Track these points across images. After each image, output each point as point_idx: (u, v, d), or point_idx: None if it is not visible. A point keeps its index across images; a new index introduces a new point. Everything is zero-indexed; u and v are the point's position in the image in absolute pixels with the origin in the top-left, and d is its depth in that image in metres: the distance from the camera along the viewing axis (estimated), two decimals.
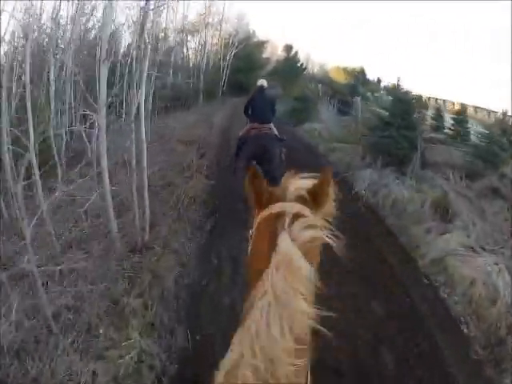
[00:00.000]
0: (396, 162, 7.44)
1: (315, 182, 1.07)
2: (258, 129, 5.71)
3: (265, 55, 26.80)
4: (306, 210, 0.99)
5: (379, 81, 25.33)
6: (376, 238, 5.57)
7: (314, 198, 1.04)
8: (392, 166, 7.42)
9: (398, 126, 7.46)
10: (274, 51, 27.40)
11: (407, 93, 8.34)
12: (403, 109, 7.55)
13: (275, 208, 1.00)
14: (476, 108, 22.08)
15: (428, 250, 5.13)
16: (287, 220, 0.96)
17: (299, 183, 1.09)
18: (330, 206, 1.11)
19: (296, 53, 25.03)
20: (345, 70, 25.82)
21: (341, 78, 24.42)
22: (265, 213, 1.02)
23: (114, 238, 4.47)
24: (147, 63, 4.21)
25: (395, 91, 8.25)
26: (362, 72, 24.90)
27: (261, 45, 26.31)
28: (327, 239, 1.00)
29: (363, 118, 11.21)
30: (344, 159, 8.53)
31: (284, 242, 0.91)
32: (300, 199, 1.03)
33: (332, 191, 1.11)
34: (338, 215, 1.13)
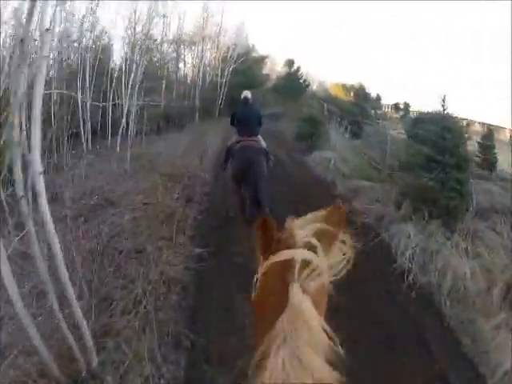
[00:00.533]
0: (443, 212, 5.66)
1: (324, 224, 1.00)
2: (244, 141, 5.85)
3: (265, 71, 25.41)
4: (315, 257, 0.91)
5: (379, 98, 23.76)
6: (432, 340, 3.84)
7: (326, 238, 0.97)
8: (436, 217, 5.64)
9: (445, 165, 5.70)
10: (274, 67, 26.22)
11: (456, 120, 6.35)
12: (453, 141, 5.78)
13: (284, 255, 0.93)
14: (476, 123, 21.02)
15: (498, 359, 3.56)
16: (297, 268, 0.88)
17: (307, 227, 1.01)
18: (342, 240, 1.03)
19: (298, 68, 23.55)
20: (344, 86, 24.42)
21: (341, 95, 23.06)
22: (272, 259, 0.94)
23: (45, 360, 2.69)
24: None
25: (436, 116, 6.33)
26: (361, 88, 23.51)
27: (261, 60, 24.87)
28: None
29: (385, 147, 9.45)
30: (373, 208, 6.58)
31: (296, 294, 0.84)
32: (309, 245, 0.95)
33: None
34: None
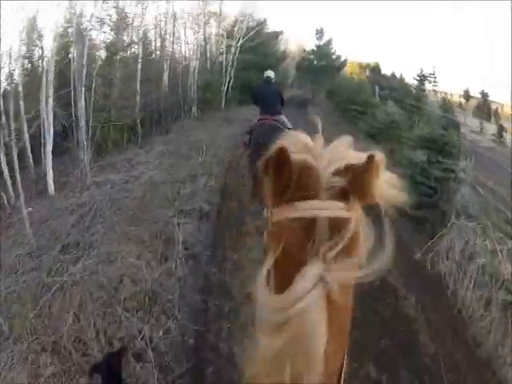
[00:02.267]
0: None
1: (357, 164, 0.68)
2: (264, 119, 5.71)
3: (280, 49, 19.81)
4: (346, 214, 0.65)
5: (394, 76, 17.98)
6: None
7: (354, 189, 0.67)
8: None
9: None
10: (287, 47, 20.27)
11: None
12: None
13: (303, 209, 0.65)
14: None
15: None
16: (322, 244, 0.62)
17: (337, 162, 0.69)
18: (375, 196, 0.70)
19: (330, 41, 17.41)
20: (360, 65, 19.59)
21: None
22: (287, 211, 0.66)
23: None
24: None
25: None
26: (377, 67, 18.79)
27: (275, 36, 19.09)
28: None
29: None
30: None
31: (311, 294, 0.58)
32: (339, 192, 0.66)
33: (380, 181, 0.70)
34: None
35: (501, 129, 14.06)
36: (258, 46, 16.73)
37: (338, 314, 0.62)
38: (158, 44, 14.52)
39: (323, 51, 17.00)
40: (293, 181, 0.67)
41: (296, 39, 19.83)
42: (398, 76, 17.42)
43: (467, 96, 16.07)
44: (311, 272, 0.59)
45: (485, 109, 15.19)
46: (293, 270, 0.60)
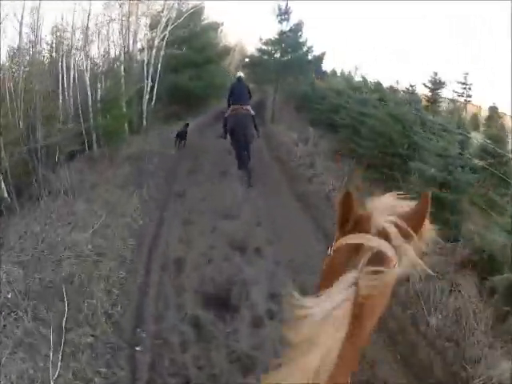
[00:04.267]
0: None
1: (408, 210, 0.89)
2: (238, 109, 7.39)
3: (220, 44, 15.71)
4: (388, 250, 0.81)
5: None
6: None
7: (404, 230, 0.84)
8: None
9: None
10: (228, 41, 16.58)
11: None
12: None
13: (355, 239, 0.85)
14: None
15: None
16: (363, 258, 0.78)
17: (389, 211, 0.89)
18: (423, 239, 0.90)
19: (299, 25, 12.15)
20: None
21: None
22: (344, 240, 0.87)
23: None
24: None
25: None
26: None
27: (215, 27, 14.96)
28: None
29: None
30: None
31: (339, 288, 0.74)
32: (384, 233, 0.83)
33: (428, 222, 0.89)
34: None
35: None
36: (192, 37, 12.86)
37: (365, 317, 0.73)
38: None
39: (290, 39, 11.93)
40: (352, 220, 0.84)
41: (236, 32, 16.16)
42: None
43: (495, 111, 11.30)
44: (346, 278, 0.72)
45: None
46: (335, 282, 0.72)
